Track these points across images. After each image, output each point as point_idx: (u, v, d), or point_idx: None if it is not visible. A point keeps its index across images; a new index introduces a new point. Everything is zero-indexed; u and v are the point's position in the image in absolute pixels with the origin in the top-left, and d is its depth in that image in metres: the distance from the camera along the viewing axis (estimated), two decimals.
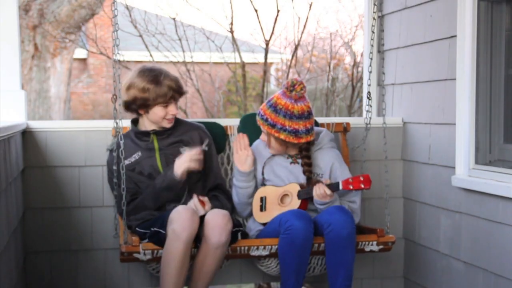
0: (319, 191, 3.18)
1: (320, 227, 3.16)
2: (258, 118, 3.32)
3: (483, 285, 3.21)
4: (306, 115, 3.26)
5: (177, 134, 3.37)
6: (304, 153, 3.33)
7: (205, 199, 3.23)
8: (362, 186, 3.11)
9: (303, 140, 3.27)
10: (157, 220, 3.16)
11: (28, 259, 3.57)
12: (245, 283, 3.99)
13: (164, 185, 3.22)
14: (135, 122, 3.39)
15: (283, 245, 3.11)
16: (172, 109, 3.27)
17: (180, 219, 2.99)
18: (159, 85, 3.23)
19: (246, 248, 3.17)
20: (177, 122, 3.40)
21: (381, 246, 3.27)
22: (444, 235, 3.55)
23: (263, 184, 3.38)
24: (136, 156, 3.32)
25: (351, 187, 3.13)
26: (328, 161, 3.36)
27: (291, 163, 3.37)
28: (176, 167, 3.22)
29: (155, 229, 3.09)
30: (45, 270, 3.59)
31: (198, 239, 3.10)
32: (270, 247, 3.16)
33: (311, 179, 3.30)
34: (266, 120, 3.27)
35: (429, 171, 3.67)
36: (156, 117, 3.28)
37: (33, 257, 3.57)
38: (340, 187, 3.15)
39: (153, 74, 3.26)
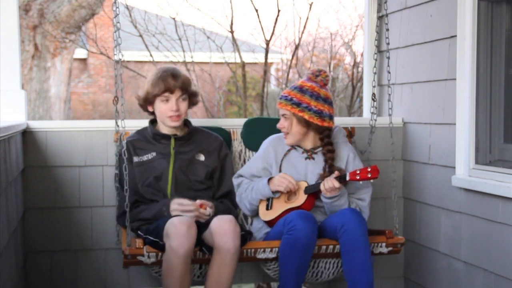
0: (328, 185, 3.14)
1: (332, 229, 3.12)
2: (280, 101, 3.30)
3: (483, 285, 3.21)
4: (330, 102, 3.31)
5: (196, 141, 3.37)
6: (326, 140, 3.31)
7: (209, 204, 3.19)
8: (369, 175, 3.09)
9: (325, 124, 3.26)
10: (152, 230, 3.10)
11: (28, 259, 3.57)
12: (245, 283, 3.98)
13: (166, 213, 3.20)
14: (153, 122, 3.40)
15: (285, 245, 3.06)
16: (171, 105, 3.26)
17: (177, 235, 2.91)
18: (158, 78, 3.27)
19: (253, 250, 3.11)
20: (196, 130, 3.41)
21: (390, 248, 3.21)
22: (444, 235, 3.55)
23: None
24: (150, 156, 3.31)
25: (358, 178, 3.11)
26: (344, 155, 3.34)
27: (306, 158, 3.34)
28: (174, 209, 3.18)
29: (152, 238, 3.04)
30: (45, 270, 3.59)
31: (201, 244, 3.06)
32: (277, 249, 3.11)
33: (333, 167, 3.27)
34: (291, 99, 3.26)
35: (429, 171, 3.67)
36: (160, 114, 3.30)
37: (33, 257, 3.57)
38: (347, 178, 3.13)
39: (160, 70, 3.32)
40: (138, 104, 3.38)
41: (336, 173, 3.18)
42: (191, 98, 3.37)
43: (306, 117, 3.24)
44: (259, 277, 3.81)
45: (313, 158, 3.34)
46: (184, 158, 3.32)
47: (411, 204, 3.88)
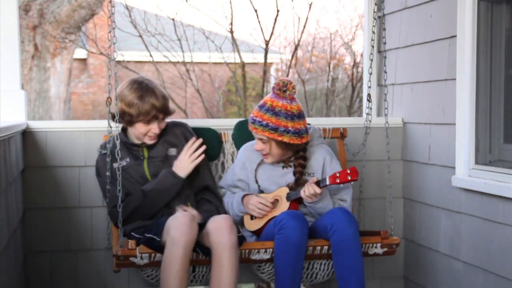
0: (308, 191, 3.11)
1: (323, 230, 3.11)
2: (254, 126, 3.18)
3: (483, 285, 3.21)
4: (303, 114, 3.22)
5: (163, 136, 3.33)
6: (301, 154, 3.25)
7: (194, 212, 3.18)
8: (349, 178, 3.04)
9: (304, 140, 3.19)
10: (151, 227, 3.10)
11: (28, 259, 3.56)
12: (245, 283, 3.98)
13: (164, 187, 3.19)
14: (124, 130, 3.35)
15: (278, 245, 3.04)
16: (153, 128, 3.22)
17: (178, 225, 2.91)
18: (143, 102, 3.18)
19: (247, 251, 3.09)
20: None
21: (385, 249, 3.20)
22: (444, 235, 3.55)
23: (261, 191, 3.32)
24: (124, 162, 3.27)
25: (338, 181, 3.05)
26: (320, 158, 3.30)
27: (283, 167, 3.31)
28: (180, 170, 3.21)
29: (150, 235, 3.03)
30: (45, 270, 3.59)
31: (196, 245, 3.03)
32: (271, 250, 3.08)
33: (300, 179, 3.23)
34: (267, 125, 3.14)
35: (429, 171, 3.67)
36: (137, 133, 3.25)
37: (33, 257, 3.57)
38: (327, 182, 3.08)
39: (140, 89, 3.20)
40: (112, 117, 3.19)
41: (314, 179, 3.14)
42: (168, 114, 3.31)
43: (286, 140, 3.15)
44: (259, 277, 3.81)
45: (290, 166, 3.31)
46: (157, 161, 3.29)
47: (411, 204, 3.88)
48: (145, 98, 3.18)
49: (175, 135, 3.35)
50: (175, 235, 2.89)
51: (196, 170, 3.33)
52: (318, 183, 3.11)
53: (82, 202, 3.60)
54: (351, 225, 3.03)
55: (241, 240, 3.11)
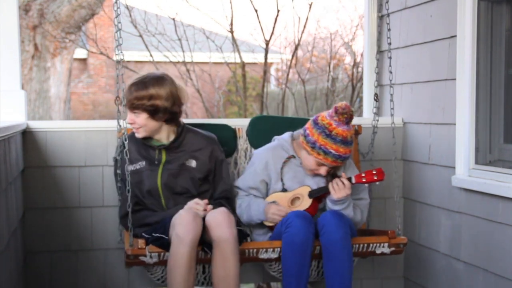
0: (336, 185, 3.14)
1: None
2: (335, 159, 3.18)
3: (483, 285, 3.21)
4: None
5: (186, 146, 3.28)
6: None
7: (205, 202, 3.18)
8: (375, 178, 3.12)
9: None
10: (159, 226, 3.12)
11: (28, 259, 3.57)
12: (245, 283, 3.98)
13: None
14: None
15: (284, 244, 3.08)
16: (127, 117, 3.20)
17: (183, 223, 2.94)
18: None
19: (255, 250, 3.12)
20: (188, 131, 3.32)
21: (392, 248, 3.21)
22: (444, 235, 3.55)
23: (284, 190, 3.32)
24: (141, 164, 3.26)
25: (364, 180, 3.13)
26: None
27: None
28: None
29: (157, 234, 3.06)
30: (45, 270, 3.59)
31: (203, 243, 3.05)
32: (279, 249, 3.11)
33: (335, 175, 3.27)
34: (346, 157, 3.21)
35: (429, 171, 3.67)
36: None
37: (33, 257, 3.57)
38: (353, 181, 3.15)
39: (139, 78, 3.21)
40: None
41: (343, 174, 3.20)
42: (153, 113, 3.17)
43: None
44: (259, 277, 3.81)
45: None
46: (172, 168, 3.24)
47: (411, 204, 3.88)
48: (129, 87, 3.18)
49: (201, 147, 3.30)
50: (180, 233, 2.93)
51: (220, 174, 3.34)
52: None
53: (82, 202, 3.60)
54: (339, 230, 3.06)
55: (244, 235, 3.14)
